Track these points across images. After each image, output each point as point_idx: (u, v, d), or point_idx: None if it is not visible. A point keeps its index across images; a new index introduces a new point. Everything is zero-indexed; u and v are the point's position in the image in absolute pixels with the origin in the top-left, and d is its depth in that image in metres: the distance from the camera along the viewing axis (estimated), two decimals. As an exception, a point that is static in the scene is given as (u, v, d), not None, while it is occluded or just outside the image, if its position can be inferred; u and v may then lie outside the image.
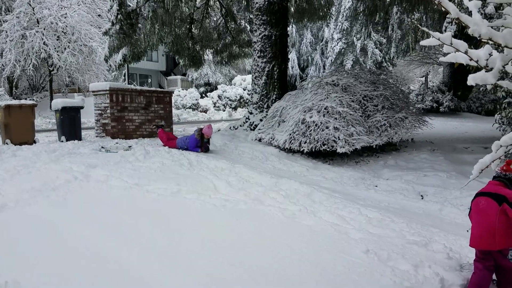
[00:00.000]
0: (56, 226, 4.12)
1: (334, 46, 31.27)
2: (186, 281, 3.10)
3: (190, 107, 28.21)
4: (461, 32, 10.91)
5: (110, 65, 20.92)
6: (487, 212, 3.28)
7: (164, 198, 5.04)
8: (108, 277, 3.12)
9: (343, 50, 30.94)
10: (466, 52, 2.07)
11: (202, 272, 3.25)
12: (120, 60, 13.76)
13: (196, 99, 29.09)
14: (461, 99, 18.28)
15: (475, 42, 3.75)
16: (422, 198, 6.32)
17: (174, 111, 21.45)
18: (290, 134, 8.55)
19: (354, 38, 29.97)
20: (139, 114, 10.49)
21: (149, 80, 37.85)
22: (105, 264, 3.31)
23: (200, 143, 8.12)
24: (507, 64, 1.90)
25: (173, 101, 23.35)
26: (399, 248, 3.91)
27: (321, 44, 34.15)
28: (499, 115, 8.46)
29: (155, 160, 6.82)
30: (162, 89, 13.09)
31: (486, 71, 2.07)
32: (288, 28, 14.45)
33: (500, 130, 8.46)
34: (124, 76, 31.68)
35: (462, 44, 2.09)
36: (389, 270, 3.45)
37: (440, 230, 4.61)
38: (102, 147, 7.98)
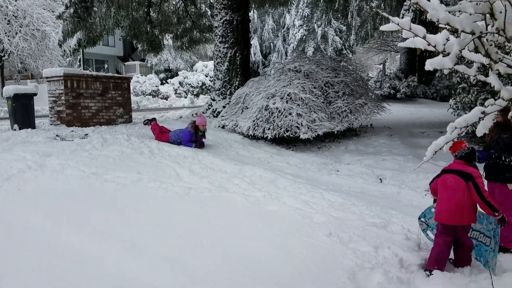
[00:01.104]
0: (9, 217, 3.90)
1: (296, 33, 31.40)
2: (149, 268, 3.04)
3: (150, 94, 27.49)
4: (419, 19, 11.24)
5: (64, 50, 19.92)
6: (455, 189, 3.46)
7: (124, 187, 4.89)
8: (67, 266, 2.99)
9: (304, 37, 31.13)
10: (424, 37, 2.10)
11: (165, 258, 3.19)
12: (75, 45, 13.14)
13: (156, 86, 28.38)
14: (425, 84, 18.93)
15: (431, 29, 3.84)
16: (381, 182, 6.52)
17: (133, 98, 20.86)
18: (254, 121, 8.54)
19: (315, 25, 30.20)
20: (96, 101, 10.10)
21: (106, 66, 36.46)
22: (64, 255, 3.17)
23: (194, 137, 7.49)
24: (464, 49, 1.95)
25: (131, 87, 22.68)
26: (360, 230, 4.02)
27: (282, 30, 34.18)
28: (454, 100, 8.83)
29: (113, 148, 6.60)
30: (119, 75, 12.65)
31: (443, 56, 2.11)
32: (250, 14, 14.32)
33: (454, 115, 8.85)
34: (80, 61, 30.35)
35: (420, 29, 2.12)
36: (350, 252, 3.54)
37: (398, 212, 4.79)
38: (57, 135, 7.64)
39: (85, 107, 9.85)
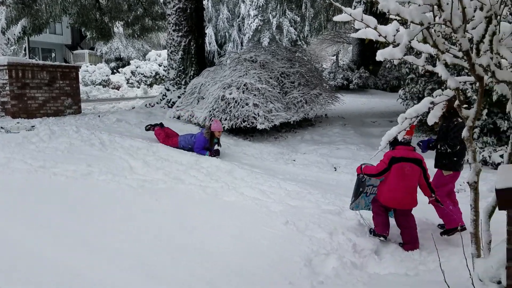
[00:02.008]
0: None
1: (251, 23, 31.30)
2: (103, 264, 2.92)
3: (100, 84, 26.38)
4: (370, 10, 11.54)
5: (8, 38, 18.65)
6: (412, 177, 3.70)
7: (74, 181, 4.67)
8: (17, 263, 2.82)
9: (259, 27, 31.12)
10: (375, 28, 2.15)
11: (120, 254, 3.09)
12: (20, 33, 12.40)
13: (107, 75, 27.27)
14: (372, 74, 19.51)
15: (382, 20, 3.94)
16: (335, 170, 6.70)
17: (82, 87, 19.88)
18: (210, 111, 8.44)
19: (270, 15, 30.27)
20: (43, 91, 9.57)
21: (53, 55, 34.53)
22: (10, 253, 2.98)
23: (209, 143, 6.66)
24: (413, 39, 2.01)
25: (80, 77, 21.68)
26: (315, 218, 4.11)
27: (238, 20, 33.94)
28: (403, 91, 9.20)
29: (62, 140, 6.29)
30: (67, 64, 12.05)
31: (393, 47, 2.17)
32: (204, 2, 14.08)
33: (403, 105, 9.22)
34: (25, 50, 28.58)
35: (372, 20, 2.17)
36: (307, 239, 3.61)
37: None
38: (1, 127, 7.24)
39: (32, 98, 9.33)
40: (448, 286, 2.13)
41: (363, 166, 3.99)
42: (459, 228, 3.89)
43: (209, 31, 32.78)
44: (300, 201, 4.63)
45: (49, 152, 5.65)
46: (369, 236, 3.84)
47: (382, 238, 3.75)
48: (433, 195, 3.75)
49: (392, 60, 2.69)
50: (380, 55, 2.27)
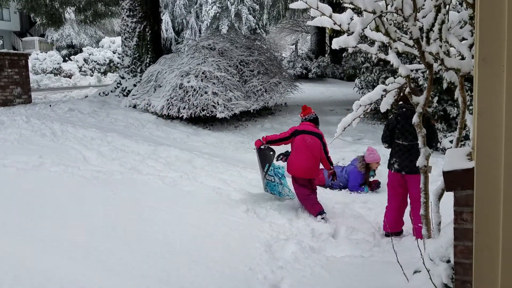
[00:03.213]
0: None
1: (209, 9, 30.77)
2: (59, 258, 2.81)
3: (51, 72, 25.11)
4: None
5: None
6: (313, 147, 4.15)
7: (25, 173, 4.45)
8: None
9: (218, 14, 30.67)
10: (330, 16, 2.18)
11: (74, 246, 2.99)
12: (-40, 17, 11.46)
13: (58, 63, 25.98)
14: (336, 62, 19.83)
15: (338, 9, 4.01)
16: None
17: (32, 76, 18.88)
18: (168, 100, 8.27)
19: (228, 2, 29.89)
20: (-13, 80, 8.99)
21: (1, 42, 32.42)
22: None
23: (365, 178, 5.39)
24: (366, 27, 2.06)
25: (30, 65, 20.54)
26: (276, 205, 4.17)
27: (195, 7, 33.27)
28: (359, 80, 9.44)
29: (11, 131, 5.96)
30: (16, 51, 11.35)
31: (348, 35, 2.21)
32: (160, -13, 13.67)
33: (359, 93, 9.47)
34: (-32, 36, 26.61)
35: (327, 8, 2.19)
36: (267, 225, 3.65)
37: (311, 185, 5.03)
38: None
39: (-25, 87, 8.74)
40: (401, 266, 2.23)
41: (263, 137, 4.38)
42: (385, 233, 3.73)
43: (166, 17, 31.95)
44: (261, 189, 4.66)
45: (-4, 143, 5.34)
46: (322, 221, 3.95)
47: (324, 215, 3.96)
48: (331, 167, 4.27)
49: (347, 49, 2.74)
50: (335, 43, 2.31)
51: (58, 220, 3.43)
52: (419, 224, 3.45)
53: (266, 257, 3.11)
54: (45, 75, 24.24)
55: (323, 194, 4.69)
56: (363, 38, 2.53)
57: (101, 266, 2.78)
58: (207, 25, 30.74)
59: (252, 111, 9.00)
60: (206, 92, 8.15)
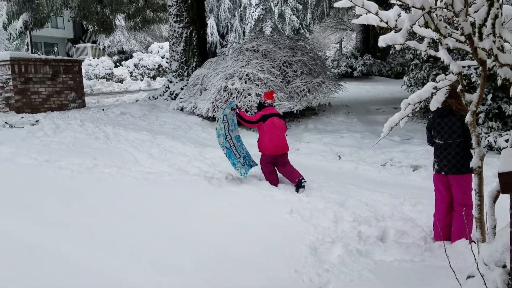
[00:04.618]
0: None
1: (253, 12, 31.03)
2: (110, 257, 2.96)
3: (103, 77, 26.40)
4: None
5: (10, 33, 18.62)
6: (281, 128, 4.83)
7: (80, 175, 4.71)
8: (26, 261, 2.86)
9: (261, 16, 30.85)
10: (377, 14, 2.12)
11: (125, 244, 3.12)
12: (21, 27, 12.40)
13: (110, 69, 27.27)
14: (380, 59, 19.33)
15: (385, 6, 3.90)
16: (340, 159, 6.69)
17: (85, 81, 19.93)
18: (213, 102, 8.43)
19: (272, 4, 29.98)
20: (46, 86, 9.61)
21: (56, 49, 34.53)
22: (21, 249, 3.03)
23: None
24: (414, 24, 1.99)
25: (84, 70, 21.69)
26: (320, 206, 4.11)
27: (239, 10, 33.67)
28: (407, 77, 9.11)
29: (66, 134, 6.33)
30: (70, 58, 12.05)
31: (395, 32, 2.15)
32: (205, -8, 13.97)
33: (408, 91, 9.14)
34: (27, 45, 28.57)
35: (373, 6, 2.14)
36: (312, 227, 3.62)
37: (356, 186, 4.93)
38: (6, 122, 7.29)
39: (35, 93, 9.37)
40: (453, 271, 2.13)
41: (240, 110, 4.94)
42: None
43: (211, 21, 32.59)
44: (304, 190, 4.63)
45: (54, 146, 5.69)
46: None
47: (301, 189, 4.58)
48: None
49: (394, 46, 2.66)
50: (382, 40, 2.25)
51: (111, 220, 3.60)
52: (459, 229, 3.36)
53: (311, 259, 3.08)
54: (98, 80, 25.51)
55: (371, 196, 4.58)
56: (411, 35, 2.45)
57: (152, 266, 2.88)
58: (250, 27, 31.02)
59: (295, 111, 8.96)
60: (249, 94, 8.22)
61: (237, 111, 4.89)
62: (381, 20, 2.17)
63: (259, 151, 4.91)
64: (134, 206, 3.94)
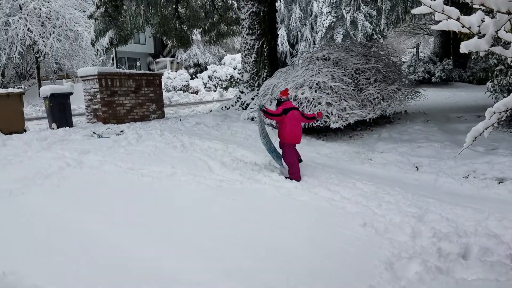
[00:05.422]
0: (50, 214, 4.09)
1: (324, 20, 30.84)
2: (183, 258, 3.11)
3: (180, 89, 27.90)
4: (451, 0, 10.76)
5: (97, 49, 20.50)
6: (299, 120, 5.50)
7: (160, 181, 5.01)
8: (107, 258, 3.11)
9: (332, 24, 30.54)
10: (458, 19, 2.02)
11: (197, 248, 3.26)
12: (107, 44, 13.51)
13: (186, 81, 28.76)
14: (460, 67, 18.20)
15: (465, 10, 3.68)
16: (417, 170, 6.35)
17: (164, 93, 21.21)
18: (283, 112, 8.49)
19: (344, 11, 29.56)
20: (130, 98, 10.37)
21: (138, 64, 37.28)
22: (105, 252, 3.31)
23: None
24: (500, 29, 1.86)
25: (163, 83, 23.11)
26: (396, 220, 3.95)
27: (310, 19, 33.67)
28: (491, 83, 8.44)
29: (148, 143, 6.77)
30: (151, 72, 12.90)
31: (479, 38, 2.03)
32: (276, 3, 14.21)
33: (492, 98, 8.46)
34: (113, 60, 31.18)
35: (454, 11, 2.04)
36: (387, 242, 3.48)
37: (436, 200, 4.65)
38: (94, 132, 7.90)
39: (120, 105, 10.13)
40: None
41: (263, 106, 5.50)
42: None
43: (281, 31, 32.98)
44: (378, 202, 4.47)
45: (137, 154, 6.12)
46: (286, 179, 5.18)
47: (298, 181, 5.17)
48: (313, 114, 5.95)
49: (477, 52, 2.50)
50: (464, 47, 2.13)
51: (187, 226, 3.78)
52: None
53: (387, 275, 2.96)
54: (175, 92, 26.99)
55: (452, 210, 4.29)
56: (496, 40, 2.28)
57: (223, 272, 2.97)
58: (321, 35, 30.83)
59: (368, 120, 8.71)
60: (319, 103, 8.16)
61: (264, 108, 5.56)
62: (463, 26, 2.06)
63: (281, 141, 5.55)
64: (208, 212, 4.10)
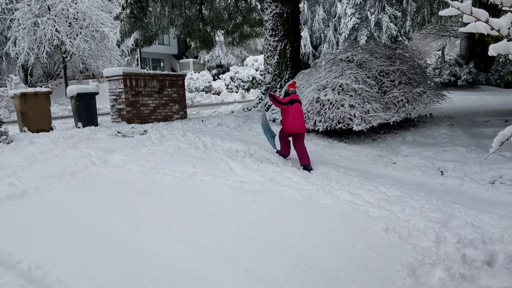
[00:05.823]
0: (75, 211, 4.21)
1: (347, 21, 30.58)
2: (203, 259, 3.14)
3: (203, 90, 28.16)
4: (479, 2, 10.50)
5: (122, 50, 20.90)
6: (301, 110, 6.06)
7: (182, 181, 5.08)
8: (130, 256, 3.18)
9: (356, 25, 30.24)
10: (486, 22, 1.98)
11: (219, 249, 3.28)
12: (132, 45, 13.75)
13: (209, 82, 29.00)
14: (483, 70, 17.73)
15: (494, 12, 3.59)
16: (442, 174, 6.22)
17: (187, 94, 21.45)
18: (304, 113, 8.46)
19: (368, 12, 29.22)
20: (153, 98, 10.54)
21: (162, 64, 37.86)
22: (129, 247, 3.37)
23: None
24: (532, 31, 1.81)
25: (186, 84, 23.39)
26: (419, 225, 3.88)
27: (333, 20, 33.43)
28: (521, 86, 8.18)
29: (170, 143, 6.86)
30: (174, 73, 13.06)
31: (508, 40, 1.98)
32: (300, 5, 14.16)
33: (521, 102, 8.21)
34: (137, 61, 31.72)
35: (482, 13, 2.00)
36: (410, 247, 3.43)
37: (461, 205, 4.55)
38: (118, 132, 8.06)
39: (144, 105, 10.31)
40: None
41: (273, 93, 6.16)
42: None
43: (304, 33, 32.86)
44: (401, 206, 4.40)
45: (159, 154, 6.22)
46: (276, 155, 6.36)
47: (283, 156, 6.40)
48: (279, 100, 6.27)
49: (507, 55, 2.43)
50: (493, 49, 2.08)
51: (208, 226, 3.82)
52: None
53: (409, 281, 2.91)
54: (198, 92, 27.25)
55: (478, 216, 4.18)
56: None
57: (244, 273, 2.99)
58: (345, 37, 30.57)
59: (391, 123, 8.57)
60: (342, 105, 8.09)
61: (271, 92, 6.11)
62: (492, 28, 2.02)
63: (283, 129, 6.22)
64: (229, 213, 4.13)
